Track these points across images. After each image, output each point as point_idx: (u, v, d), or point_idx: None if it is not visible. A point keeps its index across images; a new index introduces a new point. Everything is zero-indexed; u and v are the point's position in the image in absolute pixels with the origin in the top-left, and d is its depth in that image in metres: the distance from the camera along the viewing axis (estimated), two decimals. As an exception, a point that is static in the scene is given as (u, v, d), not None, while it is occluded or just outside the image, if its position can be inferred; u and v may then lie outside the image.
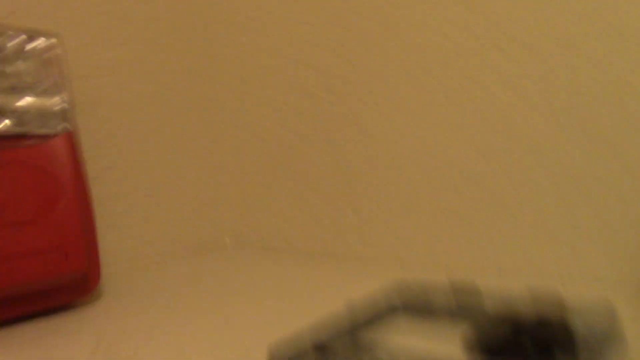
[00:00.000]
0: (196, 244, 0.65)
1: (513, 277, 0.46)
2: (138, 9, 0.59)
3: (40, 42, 0.43)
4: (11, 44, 0.42)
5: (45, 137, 0.42)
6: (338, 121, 0.58)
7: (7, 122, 0.40)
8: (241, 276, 0.53)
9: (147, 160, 0.60)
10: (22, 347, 0.36)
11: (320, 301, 0.43)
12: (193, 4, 0.65)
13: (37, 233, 0.40)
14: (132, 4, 0.58)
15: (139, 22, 0.59)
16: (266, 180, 0.65)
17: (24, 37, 0.42)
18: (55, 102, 0.43)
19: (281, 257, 0.60)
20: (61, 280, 0.41)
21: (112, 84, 0.56)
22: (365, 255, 0.57)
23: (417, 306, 0.36)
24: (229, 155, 0.67)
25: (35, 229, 0.40)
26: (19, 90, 0.41)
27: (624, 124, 0.44)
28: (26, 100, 0.41)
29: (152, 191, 0.60)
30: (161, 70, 0.61)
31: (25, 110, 0.41)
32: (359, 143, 0.57)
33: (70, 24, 0.53)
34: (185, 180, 0.64)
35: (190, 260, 0.61)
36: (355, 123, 0.57)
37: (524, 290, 0.41)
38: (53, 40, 0.44)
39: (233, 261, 0.61)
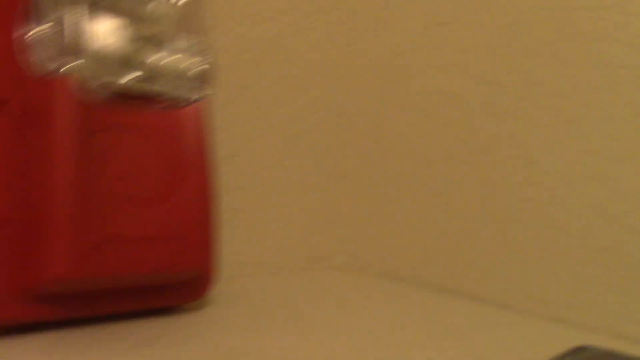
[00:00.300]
0: (309, 258, 0.57)
1: None
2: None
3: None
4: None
5: (177, 103, 0.35)
6: (494, 140, 0.50)
7: (138, 74, 0.34)
8: (359, 299, 0.45)
9: (271, 156, 0.53)
10: (122, 352, 0.29)
11: (446, 344, 0.34)
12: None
13: (156, 216, 0.32)
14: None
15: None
16: (397, 198, 0.57)
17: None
18: (194, 63, 0.36)
19: (404, 286, 0.52)
20: (176, 276, 0.34)
21: (252, 65, 0.50)
22: (515, 303, 0.48)
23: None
24: (355, 164, 0.60)
25: (155, 211, 0.33)
26: (156, 43, 0.35)
27: None
28: (162, 56, 0.35)
29: (271, 190, 0.53)
30: (299, 62, 0.54)
31: (159, 67, 0.35)
32: (518, 169, 0.49)
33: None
34: (306, 185, 0.57)
35: (304, 275, 0.54)
36: (516, 145, 0.49)
37: None
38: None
39: (348, 281, 0.53)
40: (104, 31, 0.32)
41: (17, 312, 0.29)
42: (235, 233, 0.50)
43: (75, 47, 0.31)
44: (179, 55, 0.36)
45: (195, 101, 0.36)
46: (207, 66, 0.37)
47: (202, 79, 0.37)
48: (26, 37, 0.30)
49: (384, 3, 0.58)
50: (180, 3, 0.36)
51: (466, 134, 0.52)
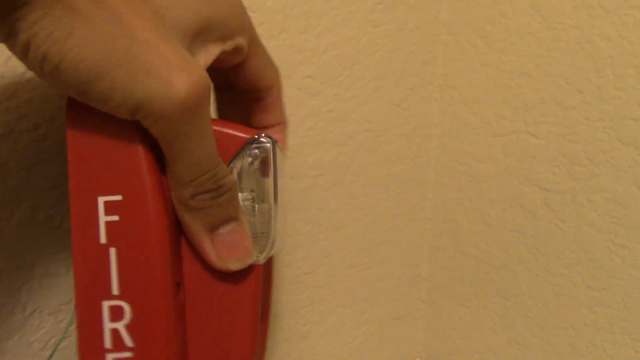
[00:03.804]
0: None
1: None
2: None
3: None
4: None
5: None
6: (560, 245, 0.51)
7: None
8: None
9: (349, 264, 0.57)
10: None
11: None
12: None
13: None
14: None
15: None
16: (467, 301, 0.58)
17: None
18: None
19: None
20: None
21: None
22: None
23: None
24: (424, 267, 0.62)
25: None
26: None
27: None
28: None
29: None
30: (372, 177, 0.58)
31: None
32: (585, 275, 0.49)
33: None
34: (378, 284, 0.59)
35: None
36: (582, 249, 0.49)
37: None
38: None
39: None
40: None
41: None
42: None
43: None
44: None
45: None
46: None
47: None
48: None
49: (449, 121, 0.61)
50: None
51: (532, 239, 0.53)
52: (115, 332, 0.29)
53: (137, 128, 0.28)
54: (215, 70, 0.32)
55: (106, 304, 0.29)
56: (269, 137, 0.32)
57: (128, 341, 0.29)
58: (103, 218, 0.29)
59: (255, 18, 0.34)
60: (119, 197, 0.29)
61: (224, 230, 0.30)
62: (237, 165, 0.32)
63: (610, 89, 0.48)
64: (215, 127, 0.29)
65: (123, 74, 0.24)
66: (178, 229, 0.31)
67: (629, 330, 0.46)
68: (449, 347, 0.60)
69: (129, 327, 0.29)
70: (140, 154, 0.28)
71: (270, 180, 0.33)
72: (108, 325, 0.29)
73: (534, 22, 0.52)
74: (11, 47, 0.23)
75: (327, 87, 0.51)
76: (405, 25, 0.56)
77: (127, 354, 0.29)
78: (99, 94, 0.25)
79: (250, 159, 0.32)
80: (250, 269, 0.32)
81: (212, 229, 0.30)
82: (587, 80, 0.49)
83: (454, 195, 0.60)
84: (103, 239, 0.29)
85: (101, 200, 0.29)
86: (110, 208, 0.29)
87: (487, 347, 0.56)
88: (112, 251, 0.29)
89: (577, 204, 0.50)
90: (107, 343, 0.29)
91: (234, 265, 0.31)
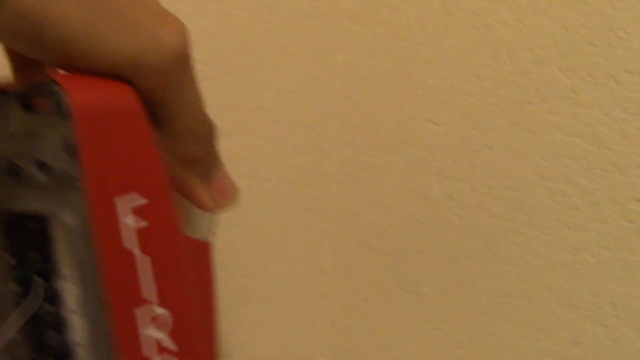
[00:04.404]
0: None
1: None
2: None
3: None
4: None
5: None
6: (459, 234, 0.50)
7: None
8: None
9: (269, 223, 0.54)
10: None
11: None
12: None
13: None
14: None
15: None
16: (371, 295, 0.56)
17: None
18: None
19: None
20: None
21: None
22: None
23: None
24: (327, 262, 0.60)
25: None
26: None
27: None
28: None
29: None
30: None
31: None
32: (484, 264, 0.48)
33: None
34: (278, 280, 0.57)
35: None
36: (480, 238, 0.49)
37: None
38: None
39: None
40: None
41: None
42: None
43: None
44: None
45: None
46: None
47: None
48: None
49: (350, 111, 0.60)
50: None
51: (434, 230, 0.52)
52: (155, 338, 0.28)
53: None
54: None
55: (141, 310, 0.28)
56: None
57: (170, 345, 0.29)
58: (128, 221, 0.28)
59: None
60: (142, 198, 0.28)
61: (216, 177, 0.30)
62: None
63: (507, 73, 0.48)
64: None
65: (110, 30, 0.23)
66: None
67: (528, 319, 0.46)
68: (352, 344, 0.58)
69: (170, 333, 0.29)
70: (158, 151, 0.28)
71: None
72: (147, 332, 0.28)
73: (433, 7, 0.51)
74: None
75: (219, 73, 0.48)
76: (303, 10, 0.54)
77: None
78: (85, 52, 0.24)
79: None
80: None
81: (207, 178, 0.30)
82: (485, 65, 0.49)
83: (357, 187, 0.58)
84: (131, 243, 0.28)
85: (123, 202, 0.27)
86: (135, 210, 0.28)
87: (391, 342, 0.55)
88: (142, 255, 0.28)
89: (475, 192, 0.49)
90: (148, 350, 0.28)
91: (228, 206, 0.32)
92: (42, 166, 0.29)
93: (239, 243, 0.54)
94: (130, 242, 0.28)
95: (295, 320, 0.58)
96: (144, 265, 0.28)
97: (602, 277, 0.43)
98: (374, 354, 0.56)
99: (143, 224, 0.28)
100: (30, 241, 0.32)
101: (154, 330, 0.28)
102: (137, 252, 0.28)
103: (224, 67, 0.48)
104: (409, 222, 0.54)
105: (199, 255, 0.33)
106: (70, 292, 0.32)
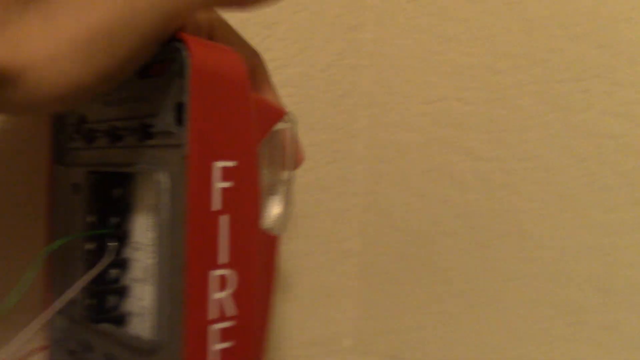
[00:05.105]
0: (309, 342, 0.56)
1: None
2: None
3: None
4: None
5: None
6: (488, 215, 0.49)
7: None
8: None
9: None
10: None
11: None
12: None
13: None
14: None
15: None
16: (398, 276, 0.56)
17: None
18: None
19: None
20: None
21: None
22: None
23: None
24: (354, 242, 0.59)
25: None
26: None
27: None
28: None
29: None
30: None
31: None
32: (514, 245, 0.47)
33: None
34: (303, 259, 0.56)
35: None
36: (510, 220, 0.47)
37: None
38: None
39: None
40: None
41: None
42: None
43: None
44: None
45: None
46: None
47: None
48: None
49: (378, 89, 0.59)
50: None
51: (461, 210, 0.51)
52: (220, 302, 0.29)
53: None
54: None
55: (214, 274, 0.28)
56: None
57: (232, 310, 0.29)
58: (219, 184, 0.28)
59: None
60: (234, 163, 0.29)
61: None
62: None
63: (539, 51, 0.46)
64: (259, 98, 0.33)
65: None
66: None
67: (559, 303, 0.45)
68: (379, 325, 0.57)
69: (234, 296, 0.29)
70: (252, 117, 0.29)
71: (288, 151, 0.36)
72: (215, 296, 0.28)
73: (463, -17, 0.49)
74: None
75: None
76: (330, -14, 0.53)
77: (230, 323, 0.29)
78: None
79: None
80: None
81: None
82: (516, 43, 0.47)
83: (384, 167, 0.57)
84: (217, 206, 0.28)
85: (218, 165, 0.28)
86: (226, 174, 0.28)
87: (417, 324, 0.54)
88: (225, 219, 0.28)
89: (505, 172, 0.48)
90: (213, 313, 0.28)
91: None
92: (145, 128, 0.30)
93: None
94: (217, 204, 0.28)
95: (321, 300, 0.58)
96: (224, 226, 0.28)
97: (637, 261, 0.42)
98: (399, 336, 0.55)
99: (228, 184, 0.28)
100: (113, 206, 0.33)
101: (220, 293, 0.28)
102: (220, 213, 0.28)
103: (249, 40, 0.48)
104: (436, 202, 0.53)
105: (268, 248, 0.34)
106: (139, 260, 0.32)
